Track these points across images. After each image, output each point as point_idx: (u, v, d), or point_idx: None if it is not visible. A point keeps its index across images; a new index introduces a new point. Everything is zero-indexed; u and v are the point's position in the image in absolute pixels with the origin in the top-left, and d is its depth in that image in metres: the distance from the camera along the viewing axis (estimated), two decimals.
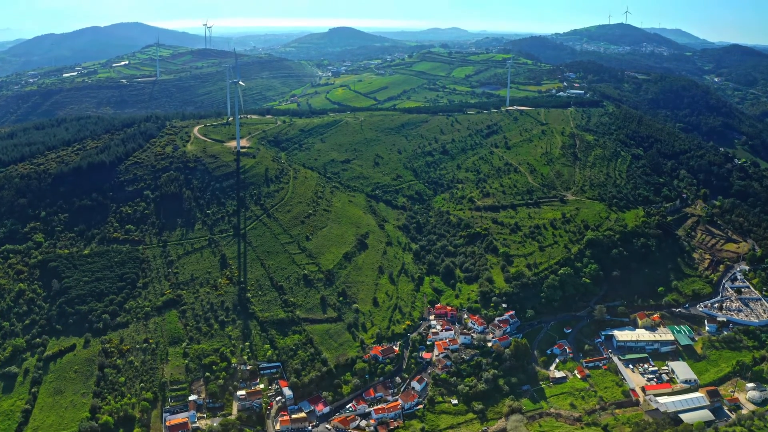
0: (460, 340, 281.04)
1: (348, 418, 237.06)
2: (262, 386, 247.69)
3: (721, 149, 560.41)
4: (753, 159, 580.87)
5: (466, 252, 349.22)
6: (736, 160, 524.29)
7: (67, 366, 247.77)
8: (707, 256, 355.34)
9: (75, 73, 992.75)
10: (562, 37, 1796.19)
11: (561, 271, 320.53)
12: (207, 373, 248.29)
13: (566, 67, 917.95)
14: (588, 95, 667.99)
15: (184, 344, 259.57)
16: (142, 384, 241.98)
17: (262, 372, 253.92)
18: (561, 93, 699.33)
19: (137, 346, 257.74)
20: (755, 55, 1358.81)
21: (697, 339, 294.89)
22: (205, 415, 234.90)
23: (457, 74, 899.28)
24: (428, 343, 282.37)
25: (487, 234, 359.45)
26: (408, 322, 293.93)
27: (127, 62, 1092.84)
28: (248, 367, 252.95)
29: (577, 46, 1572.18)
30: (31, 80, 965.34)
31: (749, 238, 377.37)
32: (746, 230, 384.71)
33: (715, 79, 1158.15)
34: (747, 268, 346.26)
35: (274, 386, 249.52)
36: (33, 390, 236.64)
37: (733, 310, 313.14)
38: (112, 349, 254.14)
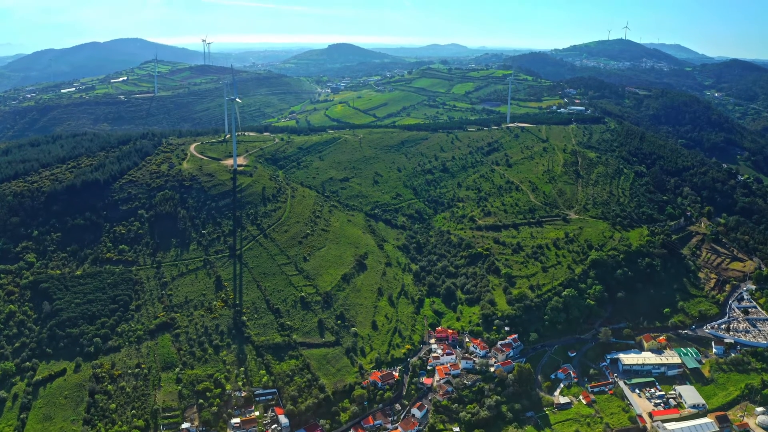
0: (462, 364, 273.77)
1: None
2: (257, 414, 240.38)
3: (724, 165, 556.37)
4: (756, 175, 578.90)
5: (467, 273, 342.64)
6: (739, 177, 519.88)
7: (57, 391, 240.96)
8: (713, 275, 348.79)
9: (73, 89, 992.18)
10: (562, 53, 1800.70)
11: (565, 292, 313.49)
12: (200, 400, 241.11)
13: (566, 83, 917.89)
14: (589, 111, 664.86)
15: (177, 369, 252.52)
16: (133, 411, 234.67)
17: (257, 399, 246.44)
18: (562, 109, 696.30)
19: (129, 371, 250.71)
20: (755, 69, 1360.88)
21: (704, 362, 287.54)
22: None
23: (456, 91, 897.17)
24: (429, 368, 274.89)
25: (488, 254, 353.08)
26: (408, 346, 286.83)
27: (125, 78, 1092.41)
28: (243, 394, 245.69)
29: (577, 62, 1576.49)
30: (29, 96, 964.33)
31: (755, 256, 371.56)
32: (752, 248, 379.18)
33: (716, 95, 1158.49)
34: (753, 287, 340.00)
35: (270, 414, 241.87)
36: (22, 416, 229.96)
37: (741, 331, 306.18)
38: (103, 374, 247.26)
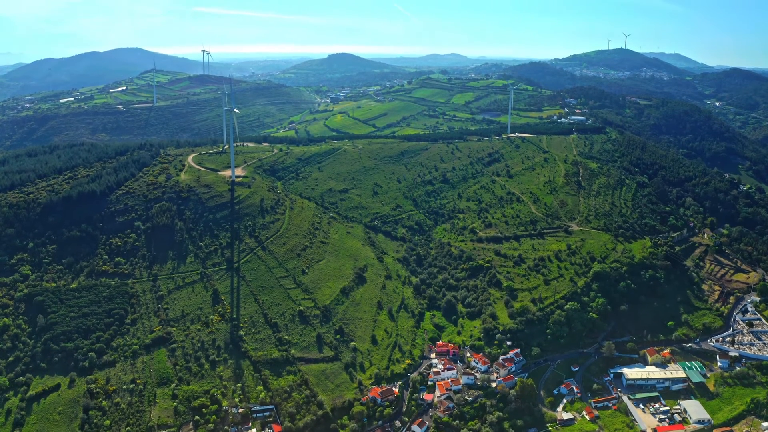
0: (463, 380, 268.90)
1: None
2: (254, 431, 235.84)
3: (726, 175, 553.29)
4: (758, 185, 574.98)
5: (468, 286, 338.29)
6: (741, 187, 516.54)
7: (51, 407, 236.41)
8: (717, 287, 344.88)
9: (72, 99, 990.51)
10: (562, 63, 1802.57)
11: (567, 305, 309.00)
12: (197, 417, 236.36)
13: (567, 93, 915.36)
14: (590, 121, 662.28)
15: (173, 385, 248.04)
16: (128, 428, 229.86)
17: (254, 415, 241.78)
18: (562, 119, 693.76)
19: (124, 386, 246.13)
20: (755, 78, 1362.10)
21: (709, 375, 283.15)
22: None
23: (456, 101, 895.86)
24: (429, 383, 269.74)
25: (489, 267, 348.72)
26: (408, 361, 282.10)
27: (124, 88, 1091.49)
28: (240, 410, 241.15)
29: (577, 72, 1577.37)
30: (28, 105, 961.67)
31: (759, 267, 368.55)
32: (755, 259, 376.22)
33: (716, 104, 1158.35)
34: (758, 299, 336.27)
35: (267, 431, 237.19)
36: None
37: (746, 344, 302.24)
38: (97, 390, 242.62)
